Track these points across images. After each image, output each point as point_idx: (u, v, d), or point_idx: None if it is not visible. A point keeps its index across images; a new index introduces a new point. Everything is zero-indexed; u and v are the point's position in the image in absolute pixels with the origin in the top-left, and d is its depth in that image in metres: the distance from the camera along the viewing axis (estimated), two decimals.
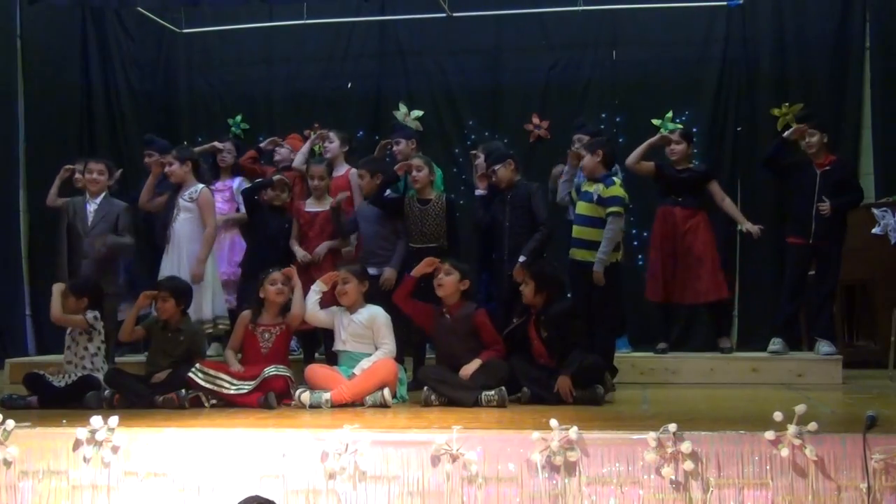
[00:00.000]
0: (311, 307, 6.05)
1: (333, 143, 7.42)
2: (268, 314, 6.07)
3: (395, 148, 7.43)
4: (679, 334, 8.05)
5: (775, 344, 6.91)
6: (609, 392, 5.71)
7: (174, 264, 6.58)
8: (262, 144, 7.87)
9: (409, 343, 6.52)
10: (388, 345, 5.91)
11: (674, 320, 7.66)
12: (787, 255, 7.07)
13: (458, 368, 5.69)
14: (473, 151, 7.50)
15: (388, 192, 6.74)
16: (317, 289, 6.06)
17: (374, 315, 5.96)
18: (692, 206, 7.05)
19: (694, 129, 8.38)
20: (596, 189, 6.30)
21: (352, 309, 5.99)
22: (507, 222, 6.38)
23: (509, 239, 6.35)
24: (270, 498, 3.44)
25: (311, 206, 6.94)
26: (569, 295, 6.34)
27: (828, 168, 6.88)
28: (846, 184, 6.96)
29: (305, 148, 7.59)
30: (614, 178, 6.38)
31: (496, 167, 6.49)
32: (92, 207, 6.87)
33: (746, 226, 7.00)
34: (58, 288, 6.10)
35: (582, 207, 6.41)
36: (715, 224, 7.24)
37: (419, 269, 5.99)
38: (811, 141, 6.90)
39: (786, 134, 7.00)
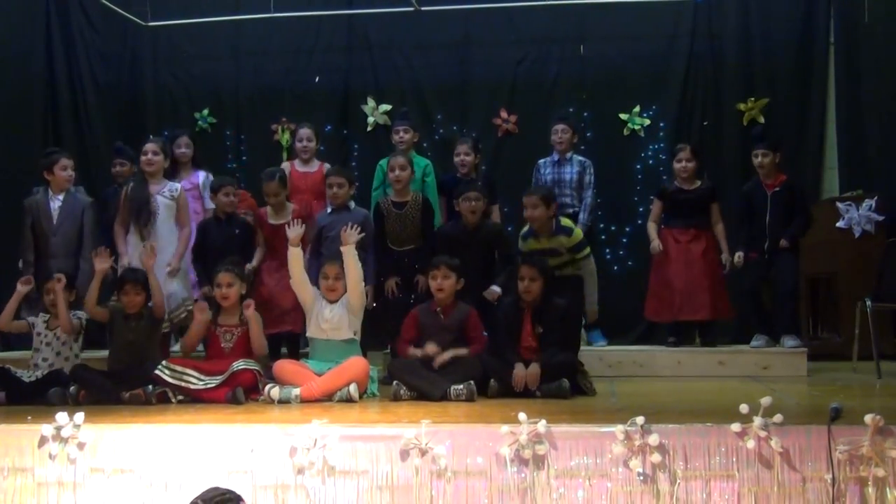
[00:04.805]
0: (297, 271, 6.02)
1: (312, 143, 7.44)
2: (225, 314, 6.03)
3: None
4: (646, 329, 8.12)
5: (758, 339, 7.02)
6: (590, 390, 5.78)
7: (157, 261, 6.52)
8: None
9: (387, 335, 6.61)
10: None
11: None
12: (745, 266, 7.10)
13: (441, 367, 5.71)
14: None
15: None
16: (295, 252, 6.01)
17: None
18: (702, 227, 7.12)
19: (661, 124, 8.47)
20: (559, 245, 6.49)
21: (333, 301, 6.02)
22: (470, 260, 6.32)
23: (473, 274, 6.27)
24: (234, 490, 3.41)
25: (272, 218, 6.76)
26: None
27: (777, 189, 7.00)
28: (796, 205, 7.04)
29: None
30: (569, 225, 6.64)
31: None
32: (56, 205, 6.78)
33: (726, 255, 7.07)
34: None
35: (552, 262, 6.39)
36: None
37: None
38: (763, 162, 6.99)
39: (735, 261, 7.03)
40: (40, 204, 6.80)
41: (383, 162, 7.45)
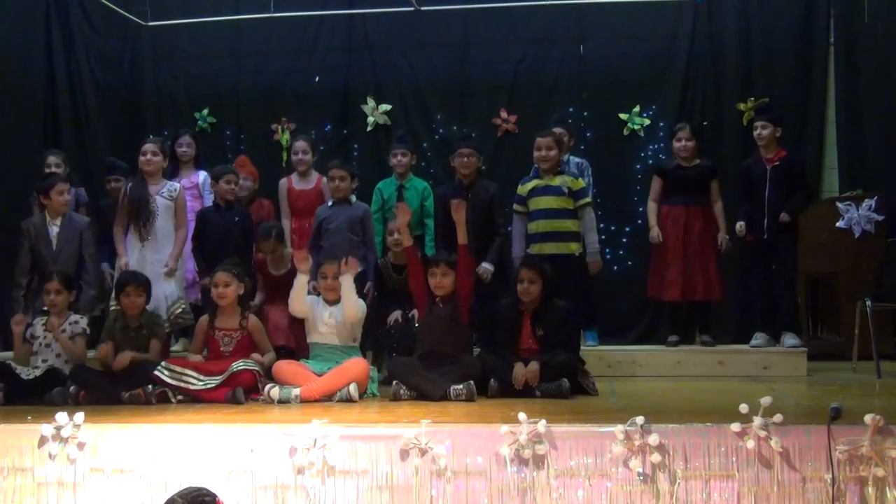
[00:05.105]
0: (300, 300, 6.00)
1: (308, 155, 7.34)
2: (224, 316, 6.02)
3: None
4: (647, 327, 8.11)
5: (758, 338, 7.01)
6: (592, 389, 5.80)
7: (154, 261, 6.52)
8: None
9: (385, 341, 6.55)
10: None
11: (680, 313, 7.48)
12: (747, 252, 7.15)
13: (440, 360, 5.70)
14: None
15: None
16: (303, 280, 6.01)
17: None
18: (701, 205, 7.11)
19: (661, 124, 8.47)
20: (563, 182, 6.56)
21: (332, 303, 6.03)
22: (469, 224, 6.25)
23: (473, 244, 6.23)
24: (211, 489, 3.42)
25: (273, 268, 6.69)
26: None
27: (777, 164, 6.99)
28: (796, 180, 7.03)
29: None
30: (574, 172, 6.82)
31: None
32: (54, 230, 6.62)
33: (722, 235, 7.08)
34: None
35: (549, 202, 6.53)
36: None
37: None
38: (763, 133, 7.00)
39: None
40: (38, 229, 6.63)
41: (381, 185, 7.41)
